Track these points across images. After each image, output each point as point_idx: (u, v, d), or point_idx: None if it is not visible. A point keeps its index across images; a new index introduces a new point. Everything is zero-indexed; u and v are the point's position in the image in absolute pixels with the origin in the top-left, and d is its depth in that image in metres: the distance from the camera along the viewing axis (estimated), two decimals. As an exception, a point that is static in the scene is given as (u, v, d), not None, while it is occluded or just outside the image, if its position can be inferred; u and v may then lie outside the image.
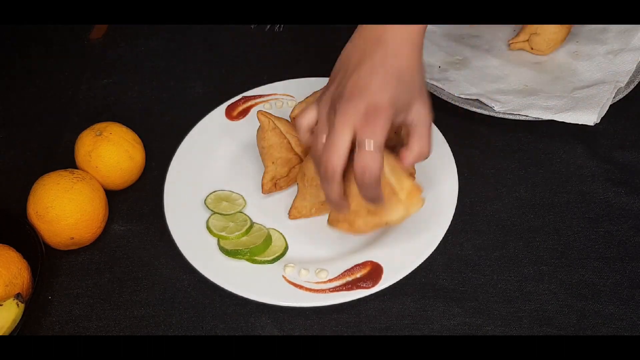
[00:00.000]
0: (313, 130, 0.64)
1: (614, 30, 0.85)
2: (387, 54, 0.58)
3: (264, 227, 0.72)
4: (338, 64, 0.62)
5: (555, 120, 0.76)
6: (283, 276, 0.67)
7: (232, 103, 0.82)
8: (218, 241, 0.70)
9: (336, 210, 0.65)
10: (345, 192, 0.62)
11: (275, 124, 0.72)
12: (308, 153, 0.71)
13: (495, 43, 0.87)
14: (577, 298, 0.66)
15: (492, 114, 0.78)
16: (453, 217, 0.69)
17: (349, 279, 0.66)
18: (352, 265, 0.67)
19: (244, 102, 0.82)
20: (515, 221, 0.71)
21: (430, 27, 0.88)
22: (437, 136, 0.76)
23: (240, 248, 0.69)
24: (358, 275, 0.66)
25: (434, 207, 0.70)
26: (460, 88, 0.80)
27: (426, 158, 0.62)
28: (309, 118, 0.63)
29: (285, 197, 0.74)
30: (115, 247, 0.73)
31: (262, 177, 0.73)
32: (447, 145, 0.75)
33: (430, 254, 0.67)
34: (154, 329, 0.66)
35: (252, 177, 0.76)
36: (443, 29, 0.89)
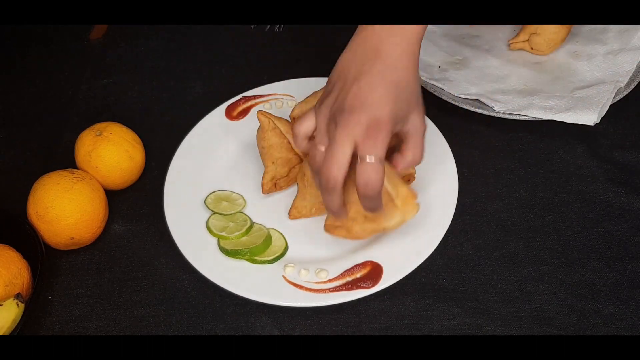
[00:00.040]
0: (310, 138, 0.65)
1: (614, 30, 0.85)
2: (386, 66, 0.59)
3: (264, 227, 0.72)
4: (335, 72, 0.62)
5: (555, 120, 0.76)
6: (283, 276, 0.67)
7: (232, 103, 0.82)
8: (218, 241, 0.70)
9: (334, 217, 0.65)
10: (345, 203, 0.64)
11: (275, 124, 0.72)
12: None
13: (495, 43, 0.87)
14: (577, 298, 0.66)
15: (492, 114, 0.78)
16: (453, 217, 0.69)
17: (349, 279, 0.66)
18: (352, 265, 0.67)
19: (244, 102, 0.82)
20: (515, 221, 0.71)
21: (430, 27, 0.88)
22: (437, 136, 0.76)
23: (240, 248, 0.69)
24: (358, 275, 0.66)
25: (434, 207, 0.70)
26: (460, 88, 0.80)
27: (417, 164, 0.65)
28: (306, 126, 0.64)
29: (285, 197, 0.74)
30: (115, 247, 0.73)
31: (262, 177, 0.73)
32: (447, 145, 0.75)
33: (430, 254, 0.67)
34: (154, 329, 0.66)
35: (252, 177, 0.76)
36: (443, 29, 0.89)
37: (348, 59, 0.61)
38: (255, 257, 0.69)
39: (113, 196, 0.76)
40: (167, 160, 0.77)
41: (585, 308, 0.65)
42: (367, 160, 0.58)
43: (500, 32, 0.88)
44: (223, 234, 0.70)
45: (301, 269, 0.67)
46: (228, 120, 0.81)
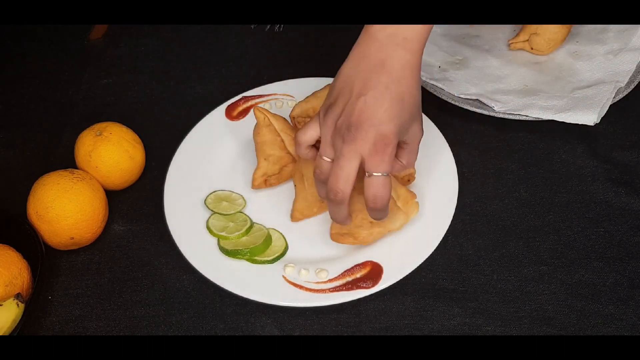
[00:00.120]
0: (311, 147, 0.66)
1: (614, 30, 0.85)
2: (391, 80, 0.60)
3: (264, 227, 0.72)
4: (339, 81, 0.62)
5: (555, 120, 0.76)
6: (283, 276, 0.67)
7: (232, 103, 0.82)
8: (218, 241, 0.70)
9: (340, 224, 0.67)
10: (349, 210, 0.65)
11: (270, 121, 0.72)
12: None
13: (495, 43, 0.87)
14: (577, 298, 0.66)
15: (492, 114, 0.78)
16: (453, 217, 0.69)
17: (349, 279, 0.66)
18: (352, 265, 0.67)
19: (244, 102, 0.82)
20: (515, 221, 0.71)
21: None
22: (437, 136, 0.76)
23: (240, 248, 0.69)
24: (358, 275, 0.66)
25: (434, 207, 0.70)
26: (460, 88, 0.80)
27: (410, 168, 0.69)
28: (309, 135, 0.65)
29: (285, 197, 0.74)
30: (115, 247, 0.73)
31: (254, 172, 0.74)
32: (447, 145, 0.75)
33: (430, 254, 0.67)
34: (154, 329, 0.66)
35: (252, 177, 0.76)
36: (443, 29, 0.89)
37: (352, 69, 0.61)
38: (255, 257, 0.69)
39: (113, 196, 0.76)
40: (167, 160, 0.77)
41: (585, 308, 0.65)
42: (375, 175, 0.60)
43: (500, 32, 0.88)
44: (223, 234, 0.70)
45: (301, 269, 0.67)
46: (228, 120, 0.81)
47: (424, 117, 0.70)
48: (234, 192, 0.75)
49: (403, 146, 0.64)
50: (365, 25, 0.62)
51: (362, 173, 0.61)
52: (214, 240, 0.70)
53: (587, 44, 0.84)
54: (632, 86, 0.79)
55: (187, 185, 0.75)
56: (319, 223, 0.72)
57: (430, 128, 0.76)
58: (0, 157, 0.82)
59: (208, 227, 0.71)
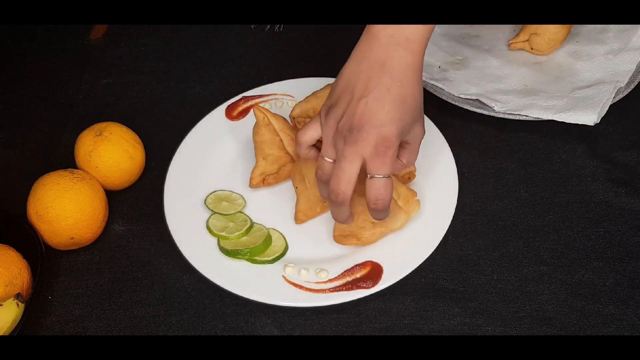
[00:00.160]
0: (311, 147, 0.66)
1: (614, 30, 0.85)
2: (393, 81, 0.60)
3: (264, 227, 0.72)
4: (341, 82, 0.62)
5: (555, 120, 0.76)
6: (283, 276, 0.67)
7: (232, 103, 0.82)
8: (218, 241, 0.70)
9: (341, 223, 0.67)
10: (351, 210, 0.65)
11: (269, 121, 0.72)
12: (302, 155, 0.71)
13: (495, 43, 0.87)
14: (577, 298, 0.66)
15: (492, 114, 0.78)
16: (453, 217, 0.69)
17: (349, 279, 0.66)
18: (352, 265, 0.67)
19: (244, 102, 0.82)
20: (515, 221, 0.71)
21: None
22: (437, 136, 0.76)
23: (240, 248, 0.69)
24: (358, 275, 0.66)
25: (434, 207, 0.70)
26: (460, 88, 0.80)
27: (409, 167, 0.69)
28: (310, 135, 0.65)
29: (285, 198, 0.74)
30: (115, 247, 0.73)
31: (252, 171, 0.74)
32: (447, 145, 0.75)
33: (430, 254, 0.67)
34: (154, 329, 0.66)
35: (252, 177, 0.76)
36: (443, 29, 0.89)
37: (353, 70, 0.61)
38: (255, 257, 0.69)
39: (113, 196, 0.76)
40: (167, 160, 0.77)
41: (585, 308, 0.65)
42: (377, 177, 0.60)
43: (500, 32, 0.88)
44: (223, 234, 0.70)
45: (301, 269, 0.67)
46: (228, 120, 0.81)
47: (424, 117, 0.70)
48: (234, 192, 0.75)
49: (404, 146, 0.64)
50: (367, 25, 0.62)
51: (363, 174, 0.61)
52: (214, 240, 0.70)
53: (587, 44, 0.84)
54: (632, 86, 0.79)
55: (187, 185, 0.75)
56: (319, 223, 0.72)
57: (430, 128, 0.76)
58: (0, 157, 0.82)
59: (208, 227, 0.71)
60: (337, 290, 0.65)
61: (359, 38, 0.62)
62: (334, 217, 0.66)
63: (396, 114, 0.59)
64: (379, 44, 0.60)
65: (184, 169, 0.76)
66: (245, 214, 0.73)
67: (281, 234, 0.71)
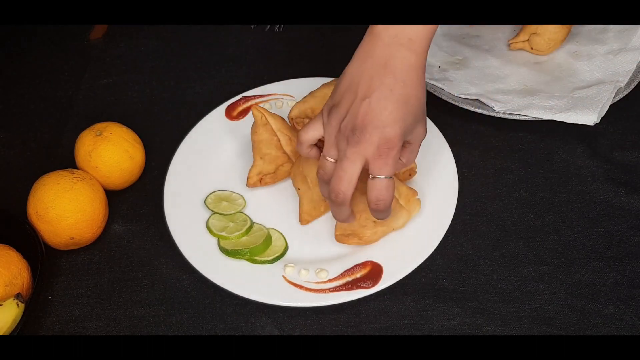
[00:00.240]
0: (313, 146, 0.66)
1: (614, 30, 0.85)
2: (396, 81, 0.59)
3: (264, 227, 0.72)
4: (344, 83, 0.62)
5: (555, 120, 0.76)
6: (283, 276, 0.67)
7: (232, 103, 0.82)
8: (218, 241, 0.70)
9: (343, 222, 0.67)
10: (352, 210, 0.65)
11: (267, 120, 0.72)
12: (299, 155, 0.71)
13: (495, 43, 0.87)
14: (577, 298, 0.66)
15: (492, 114, 0.78)
16: (453, 217, 0.69)
17: (349, 279, 0.66)
18: (352, 265, 0.67)
19: (244, 102, 0.82)
20: (515, 221, 0.71)
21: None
22: (437, 136, 0.76)
23: (240, 248, 0.69)
24: (358, 275, 0.66)
25: (434, 207, 0.70)
26: (460, 88, 0.80)
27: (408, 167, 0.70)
28: (312, 135, 0.65)
29: (285, 197, 0.74)
30: (115, 247, 0.73)
31: (249, 171, 0.74)
32: (447, 145, 0.75)
33: (430, 254, 0.67)
34: (154, 329, 0.66)
35: (252, 177, 0.76)
36: (443, 29, 0.89)
37: (356, 69, 0.61)
38: (255, 257, 0.69)
39: (113, 196, 0.76)
40: (167, 160, 0.77)
41: (585, 308, 0.65)
42: (379, 178, 0.60)
43: (500, 32, 0.88)
44: (223, 234, 0.70)
45: (301, 269, 0.67)
46: (228, 120, 0.81)
47: (425, 117, 0.70)
48: (234, 192, 0.75)
49: (405, 145, 0.64)
50: (370, 26, 0.61)
51: (365, 174, 0.61)
52: (214, 240, 0.70)
53: (587, 44, 0.84)
54: (632, 86, 0.79)
55: (187, 185, 0.75)
56: (320, 223, 0.72)
57: (430, 128, 0.76)
58: (0, 157, 0.82)
59: (208, 227, 0.71)
60: (337, 290, 0.65)
61: (359, 38, 0.62)
62: (334, 217, 0.66)
63: (399, 115, 0.59)
64: (382, 44, 0.60)
65: (184, 169, 0.76)
66: (245, 214, 0.73)
67: (281, 234, 0.71)
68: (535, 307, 0.65)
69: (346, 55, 0.63)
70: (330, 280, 0.66)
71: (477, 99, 0.79)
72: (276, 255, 0.69)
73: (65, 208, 0.69)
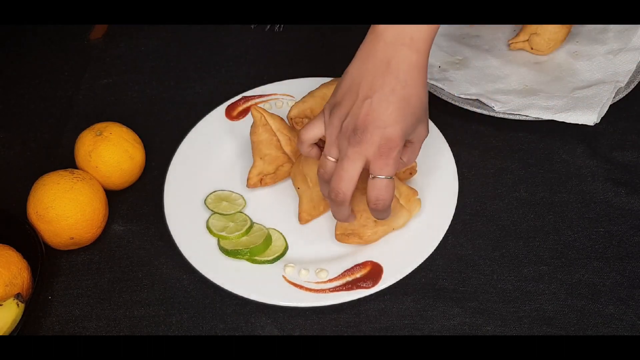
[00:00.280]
0: (313, 145, 0.66)
1: (614, 30, 0.85)
2: (398, 81, 0.59)
3: (264, 227, 0.72)
4: (346, 82, 0.62)
5: (555, 120, 0.76)
6: (283, 276, 0.67)
7: (232, 103, 0.82)
8: (218, 241, 0.70)
9: (343, 222, 0.67)
10: (352, 209, 0.66)
11: (267, 120, 0.72)
12: (299, 155, 0.71)
13: (495, 43, 0.87)
14: (577, 298, 0.66)
15: (492, 114, 0.78)
16: (453, 217, 0.69)
17: (349, 279, 0.66)
18: (352, 265, 0.67)
19: (244, 102, 0.82)
20: (515, 221, 0.71)
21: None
22: (437, 136, 0.76)
23: (240, 248, 0.69)
24: (358, 275, 0.66)
25: (434, 207, 0.70)
26: (460, 88, 0.80)
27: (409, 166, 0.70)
28: (313, 134, 0.65)
29: (285, 197, 0.74)
30: (115, 247, 0.73)
31: (249, 171, 0.74)
32: (447, 145, 0.75)
33: (430, 254, 0.67)
34: (154, 329, 0.66)
35: (252, 177, 0.76)
36: (443, 29, 0.89)
37: (358, 69, 0.61)
38: (255, 257, 0.69)
39: (113, 196, 0.76)
40: (167, 160, 0.77)
41: (585, 308, 0.65)
42: (379, 178, 0.60)
43: (500, 32, 0.88)
44: (223, 234, 0.70)
45: (301, 269, 0.67)
46: (228, 120, 0.81)
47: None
48: (234, 192, 0.75)
49: (407, 144, 0.64)
50: (372, 25, 0.61)
51: (366, 174, 0.61)
52: (214, 240, 0.70)
53: (587, 44, 0.84)
54: (632, 86, 0.79)
55: (187, 185, 0.75)
56: (320, 223, 0.72)
57: (430, 128, 0.75)
58: (0, 157, 0.82)
59: (208, 227, 0.71)
60: (337, 290, 0.65)
61: (359, 38, 0.62)
62: (334, 216, 0.66)
63: (400, 115, 0.59)
64: (383, 43, 0.60)
65: (184, 169, 0.76)
66: (245, 214, 0.73)
67: (281, 233, 0.71)
68: (535, 307, 0.65)
69: (346, 56, 0.63)
70: (330, 280, 0.66)
71: (477, 99, 0.79)
72: (276, 255, 0.69)
73: (65, 208, 0.69)
